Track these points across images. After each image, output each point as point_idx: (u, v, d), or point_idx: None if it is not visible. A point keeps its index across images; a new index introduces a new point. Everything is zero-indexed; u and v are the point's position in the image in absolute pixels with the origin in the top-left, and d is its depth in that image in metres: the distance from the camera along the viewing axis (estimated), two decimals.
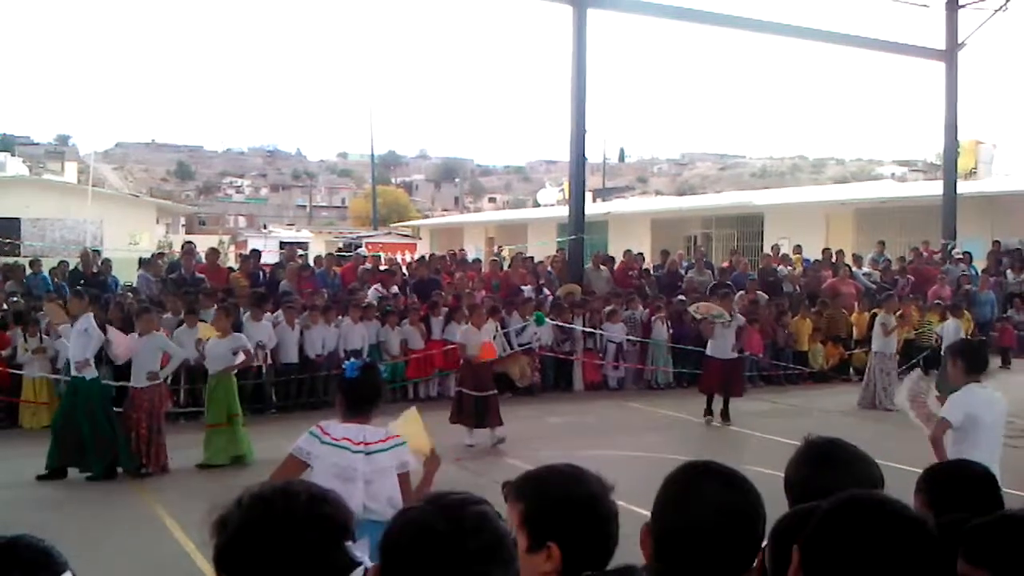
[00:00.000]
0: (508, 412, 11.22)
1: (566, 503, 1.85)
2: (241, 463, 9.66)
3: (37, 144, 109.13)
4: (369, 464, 3.93)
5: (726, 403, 12.44)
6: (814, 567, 1.52)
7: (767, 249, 23.41)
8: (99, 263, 15.32)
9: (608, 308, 15.72)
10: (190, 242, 16.89)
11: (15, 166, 50.18)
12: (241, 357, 10.16)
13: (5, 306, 12.97)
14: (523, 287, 16.44)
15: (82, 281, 14.29)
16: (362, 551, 1.61)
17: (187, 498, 8.20)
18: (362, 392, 4.11)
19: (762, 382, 16.07)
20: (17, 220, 31.92)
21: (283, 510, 1.59)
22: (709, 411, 12.42)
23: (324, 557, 1.55)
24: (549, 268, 17.99)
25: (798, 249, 20.70)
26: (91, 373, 9.25)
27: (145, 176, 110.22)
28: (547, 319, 14.82)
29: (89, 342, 9.22)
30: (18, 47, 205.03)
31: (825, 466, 2.32)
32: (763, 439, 11.13)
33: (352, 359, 4.48)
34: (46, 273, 14.99)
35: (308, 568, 1.52)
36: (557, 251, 19.33)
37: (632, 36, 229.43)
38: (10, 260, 15.70)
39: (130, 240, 30.74)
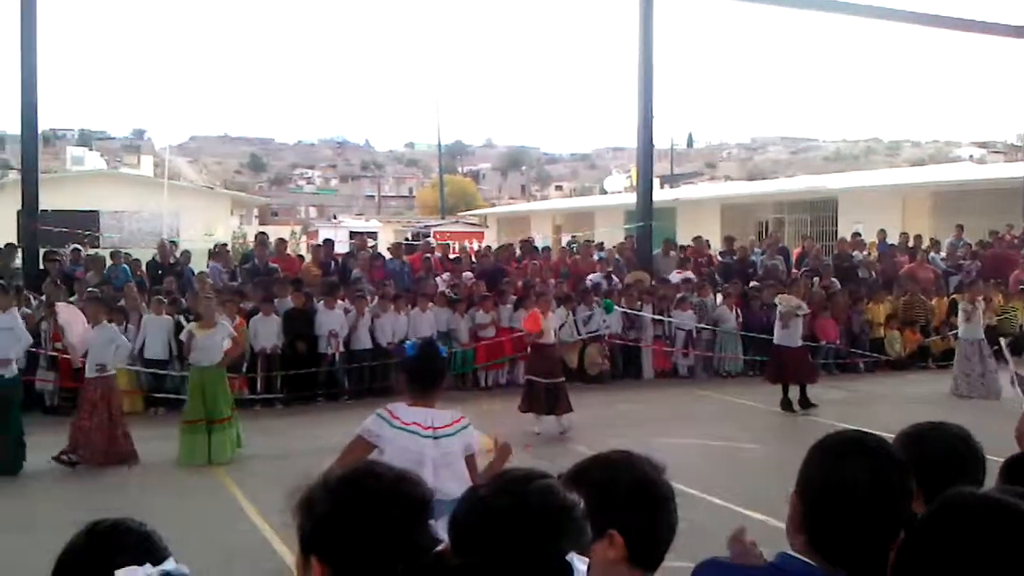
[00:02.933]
0: (578, 400, 11.22)
1: (620, 489, 1.82)
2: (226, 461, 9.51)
3: (114, 139, 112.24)
4: (438, 448, 3.95)
5: (803, 390, 12.29)
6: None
7: (841, 234, 22.94)
8: (176, 254, 15.68)
9: (678, 295, 15.60)
10: (263, 233, 17.24)
11: (93, 160, 51.77)
12: (228, 344, 9.79)
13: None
14: (591, 275, 16.39)
15: (160, 272, 14.68)
16: (442, 531, 1.63)
17: (265, 483, 8.38)
18: (423, 370, 4.12)
19: (837, 370, 15.78)
20: (96, 213, 32.78)
21: (370, 490, 1.61)
22: (788, 401, 12.26)
23: (410, 536, 1.56)
24: (617, 256, 17.90)
25: (882, 234, 20.16)
26: (10, 372, 9.09)
27: (219, 169, 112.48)
28: (616, 306, 14.76)
29: (18, 340, 9.19)
30: (95, 44, 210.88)
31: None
32: (835, 428, 10.92)
33: (414, 340, 4.48)
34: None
35: (395, 547, 1.54)
36: (625, 238, 19.21)
37: (700, 18, 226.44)
38: (91, 251, 16.11)
39: (205, 231, 31.43)
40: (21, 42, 14.07)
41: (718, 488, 8.03)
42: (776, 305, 12.91)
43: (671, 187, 46.94)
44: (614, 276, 16.50)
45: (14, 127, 14.98)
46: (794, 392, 12.29)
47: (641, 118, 17.67)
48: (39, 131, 15.19)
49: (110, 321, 9.91)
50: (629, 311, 15.09)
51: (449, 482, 3.84)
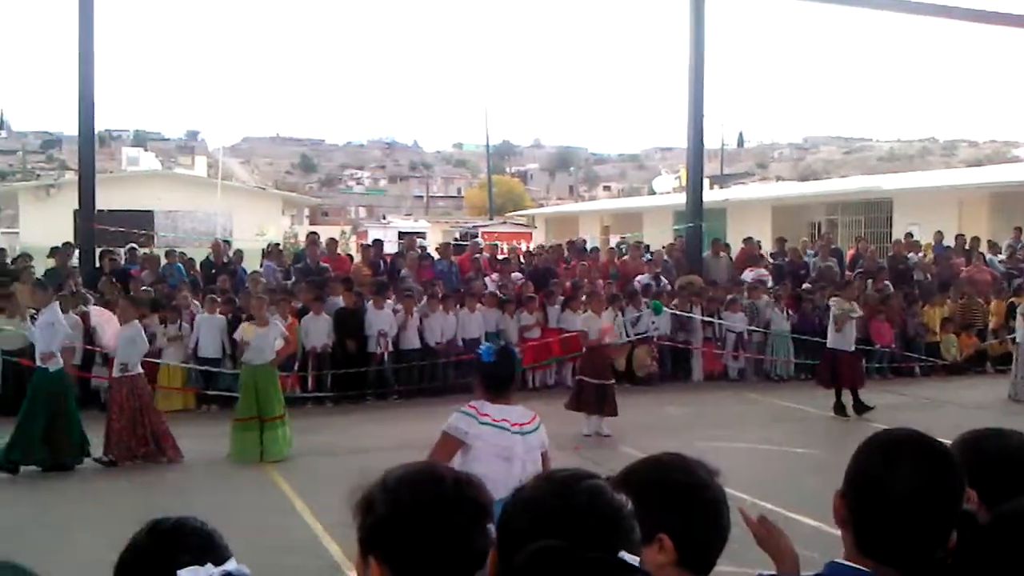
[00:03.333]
0: (626, 401, 11.17)
1: (670, 492, 1.78)
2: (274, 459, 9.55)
3: (168, 140, 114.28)
4: (524, 445, 4.01)
5: (855, 394, 12.09)
6: None
7: (896, 236, 22.51)
8: (230, 253, 15.89)
9: (728, 297, 15.44)
10: (314, 233, 17.39)
11: (148, 161, 52.71)
12: (281, 343, 9.90)
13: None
14: (640, 276, 16.28)
15: (213, 271, 14.88)
16: None
17: (316, 482, 8.44)
18: (501, 375, 4.17)
19: (892, 374, 15.50)
20: (151, 212, 33.41)
21: (430, 492, 1.59)
22: (841, 405, 12.07)
23: (470, 539, 1.55)
24: (666, 257, 17.77)
25: (938, 236, 19.72)
26: (55, 365, 9.21)
27: (270, 169, 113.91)
28: (665, 308, 14.64)
29: (56, 334, 9.28)
30: (151, 46, 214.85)
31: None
32: None
33: (487, 343, 4.51)
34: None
35: (455, 549, 1.53)
36: (675, 239, 19.06)
37: (751, 16, 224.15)
38: (147, 250, 16.40)
39: (257, 231, 31.85)
40: (79, 45, 14.36)
41: (770, 493, 7.90)
42: (829, 307, 12.73)
43: (721, 187, 46.52)
44: (663, 277, 16.38)
45: (71, 128, 15.29)
46: (848, 396, 12.09)
47: (691, 117, 17.52)
48: (95, 132, 15.48)
49: (142, 318, 10.08)
50: (678, 312, 14.96)
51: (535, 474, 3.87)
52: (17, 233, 37.22)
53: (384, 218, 61.23)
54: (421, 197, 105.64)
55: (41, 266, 14.40)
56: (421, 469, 1.72)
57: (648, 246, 19.34)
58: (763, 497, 7.69)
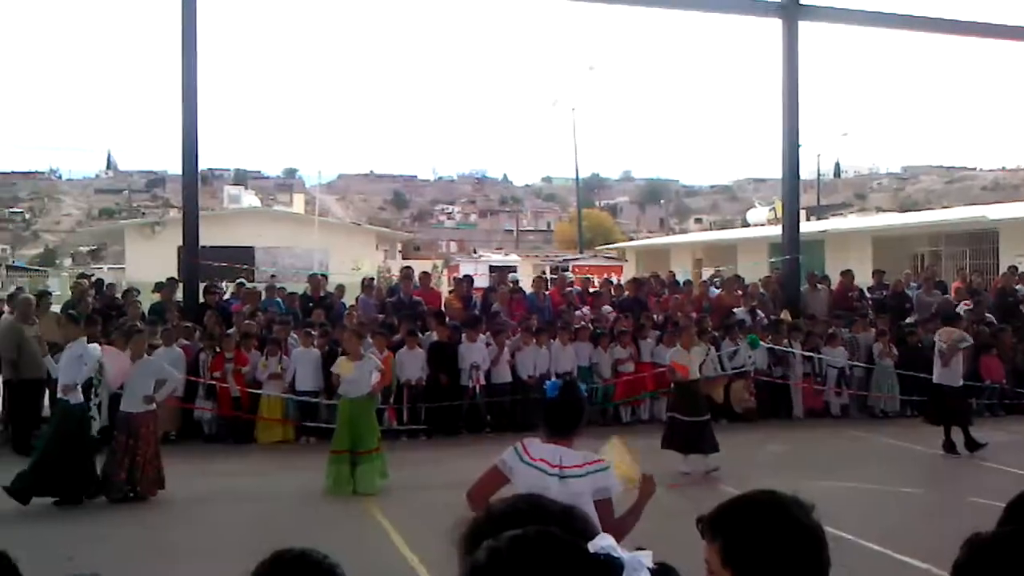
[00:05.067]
0: (724, 438, 10.91)
1: (769, 534, 1.70)
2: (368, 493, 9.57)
3: (268, 178, 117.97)
4: (563, 488, 3.78)
5: (967, 432, 11.59)
6: None
7: (1003, 268, 21.62)
8: (325, 288, 16.18)
9: (828, 331, 15.05)
10: (408, 267, 17.59)
11: (249, 199, 54.35)
12: (377, 377, 9.99)
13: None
14: (735, 309, 15.99)
15: (311, 305, 15.18)
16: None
17: (413, 514, 8.49)
18: (562, 413, 4.03)
19: (1002, 411, 14.82)
20: (251, 248, 34.37)
21: (536, 522, 1.56)
22: (951, 443, 11.59)
23: (577, 571, 1.48)
24: (762, 290, 17.43)
25: None
26: (76, 398, 9.25)
27: (364, 205, 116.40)
28: (761, 342, 14.32)
29: (81, 368, 9.34)
30: (249, 88, 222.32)
31: None
32: (1002, 472, 10.25)
33: (554, 379, 4.41)
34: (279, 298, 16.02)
35: None
36: (771, 272, 18.69)
37: (847, 42, 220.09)
38: (249, 285, 16.82)
39: (353, 266, 32.45)
40: (182, 87, 14.92)
41: (876, 534, 7.62)
42: (935, 342, 12.27)
43: (818, 219, 45.52)
44: (759, 311, 16.06)
45: (175, 167, 15.86)
46: (959, 434, 11.60)
47: (786, 147, 17.23)
48: (199, 171, 16.01)
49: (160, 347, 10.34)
50: (775, 347, 14.62)
51: None
52: (123, 269, 38.76)
53: (475, 252, 61.79)
54: (511, 231, 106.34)
55: (147, 301, 14.91)
56: (526, 501, 1.69)
57: (743, 279, 19.01)
58: (868, 539, 7.41)
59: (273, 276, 18.13)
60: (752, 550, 1.68)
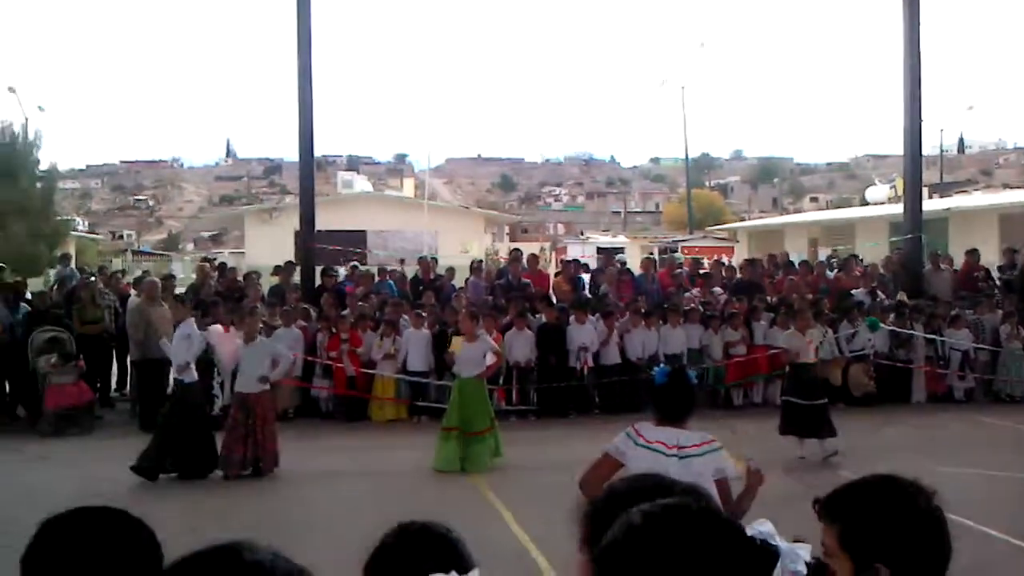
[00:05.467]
0: (842, 423, 10.61)
1: (890, 519, 1.65)
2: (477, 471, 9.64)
3: (379, 163, 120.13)
4: (683, 468, 3.80)
5: None
6: None
7: None
8: (435, 270, 16.39)
9: (952, 313, 14.44)
10: (517, 249, 17.66)
11: (361, 184, 55.49)
12: (491, 359, 10.09)
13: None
14: (854, 291, 15.49)
15: (421, 287, 15.41)
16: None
17: (522, 493, 8.55)
18: (672, 398, 4.05)
19: None
20: (363, 232, 35.11)
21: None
22: None
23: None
24: (882, 271, 16.84)
25: None
26: (190, 376, 9.56)
27: (472, 189, 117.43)
28: (882, 324, 13.84)
29: (190, 347, 9.56)
30: (361, 75, 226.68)
31: None
32: None
33: (663, 365, 4.38)
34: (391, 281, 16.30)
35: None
36: (892, 252, 18.03)
37: (972, 13, 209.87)
38: (361, 268, 17.16)
39: (461, 248, 32.82)
40: (298, 77, 15.31)
41: (1003, 523, 7.30)
42: None
43: (941, 196, 43.64)
44: (879, 292, 15.52)
45: (292, 154, 16.31)
46: None
47: (908, 122, 16.53)
48: (314, 158, 16.41)
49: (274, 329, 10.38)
50: (897, 329, 14.11)
51: None
52: (243, 253, 40.12)
53: (582, 234, 61.63)
54: (619, 213, 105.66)
55: (266, 283, 15.39)
56: (647, 481, 1.68)
57: (853, 258, 18.42)
58: (994, 526, 7.11)
59: (403, 261, 18.21)
60: (871, 534, 1.63)
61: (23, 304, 13.51)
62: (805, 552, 1.28)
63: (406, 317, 13.43)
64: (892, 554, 1.62)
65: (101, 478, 9.18)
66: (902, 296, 15.31)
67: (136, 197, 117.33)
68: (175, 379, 9.78)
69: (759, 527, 1.29)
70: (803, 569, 1.27)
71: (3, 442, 11.37)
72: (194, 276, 17.15)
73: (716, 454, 3.96)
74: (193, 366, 9.69)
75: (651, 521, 1.29)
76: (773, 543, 1.26)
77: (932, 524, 1.66)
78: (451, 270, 16.41)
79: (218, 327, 10.38)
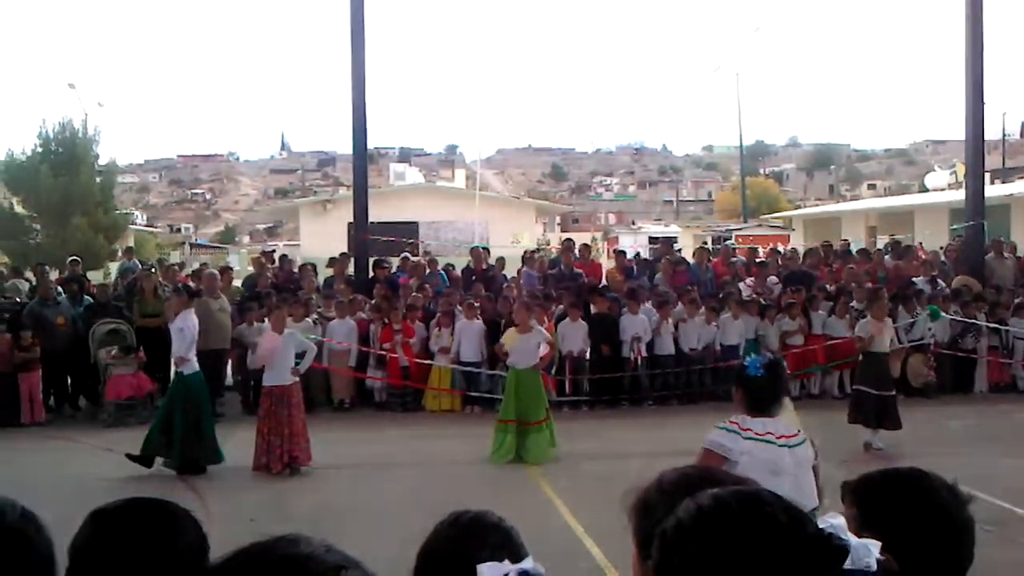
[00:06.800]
0: (903, 414, 10.38)
1: (905, 511, 1.61)
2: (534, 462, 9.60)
3: (430, 155, 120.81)
4: (793, 458, 3.85)
5: None
6: None
7: None
8: (487, 261, 16.40)
9: (1016, 301, 14.07)
10: (570, 239, 17.57)
11: (413, 175, 55.75)
12: (544, 349, 10.02)
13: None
14: (914, 279, 15.17)
15: (473, 277, 15.44)
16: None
17: (576, 484, 8.54)
18: (767, 390, 4.00)
19: None
20: (415, 223, 35.26)
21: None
22: None
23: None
24: (943, 258, 16.46)
25: None
26: (190, 368, 9.46)
27: (523, 179, 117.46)
28: (943, 313, 13.53)
29: (184, 339, 9.42)
30: (412, 67, 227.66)
31: None
32: None
33: (755, 356, 4.34)
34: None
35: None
36: (952, 239, 17.63)
37: None
38: (413, 258, 17.24)
39: (513, 239, 32.79)
40: (351, 71, 15.41)
41: None
42: None
43: (1003, 182, 42.54)
44: (939, 280, 15.18)
45: (345, 147, 16.42)
46: None
47: (969, 106, 16.11)
48: (367, 150, 16.52)
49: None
50: (959, 319, 13.79)
51: (805, 492, 3.75)
52: (298, 245, 40.58)
53: (634, 223, 61.31)
54: (671, 201, 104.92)
55: (321, 275, 15.55)
56: (696, 472, 1.66)
57: (920, 245, 18.05)
58: None
59: (488, 251, 17.86)
60: (886, 526, 1.59)
61: (86, 297, 13.82)
62: (876, 547, 1.24)
63: (459, 308, 13.47)
64: (904, 549, 1.56)
65: (158, 468, 9.35)
66: (968, 283, 14.93)
67: (193, 191, 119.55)
68: (175, 372, 9.66)
69: (831, 520, 1.25)
70: (874, 564, 1.23)
71: (65, 432, 11.65)
72: (250, 268, 17.38)
73: (808, 442, 3.99)
74: (194, 358, 9.59)
75: (719, 507, 1.26)
76: (844, 537, 1.22)
77: (951, 523, 1.62)
78: (501, 260, 16.37)
79: (268, 326, 10.33)
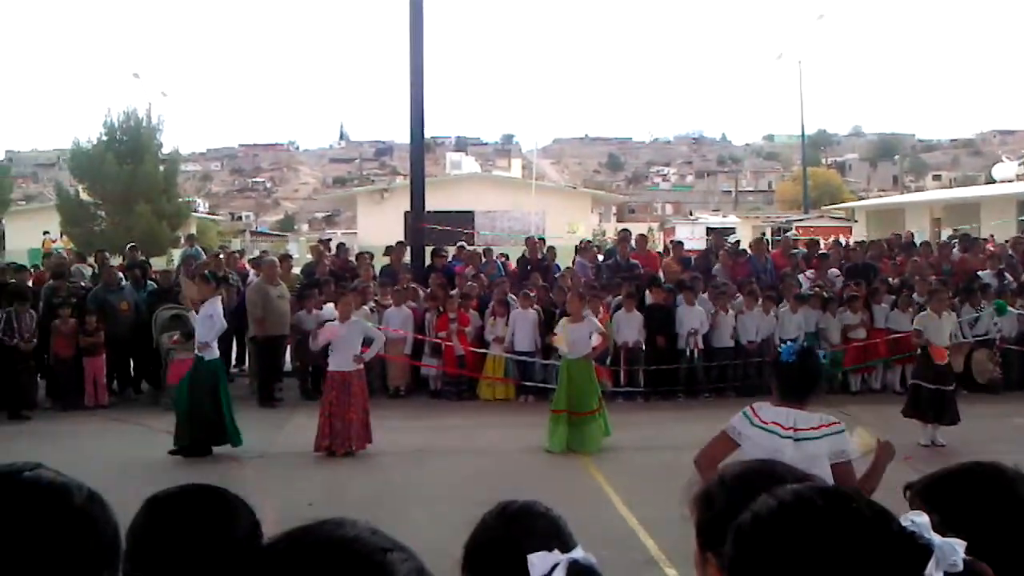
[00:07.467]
0: (966, 410, 10.20)
1: (989, 510, 1.52)
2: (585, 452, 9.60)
3: (486, 144, 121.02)
4: (797, 451, 3.75)
5: None
6: None
7: None
8: (543, 250, 16.37)
9: None
10: (626, 230, 17.44)
11: (469, 164, 55.81)
12: (597, 339, 9.97)
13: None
14: (980, 272, 14.79)
15: (528, 267, 15.43)
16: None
17: (630, 475, 8.50)
18: (797, 378, 3.95)
19: None
20: (471, 213, 35.36)
21: (766, 489, 1.48)
22: None
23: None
24: (1010, 251, 16.02)
25: None
26: (211, 354, 9.54)
27: (579, 169, 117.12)
28: (1010, 308, 13.17)
29: (213, 326, 9.49)
30: (469, 56, 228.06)
31: None
32: None
33: (790, 343, 4.28)
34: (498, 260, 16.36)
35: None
36: (1021, 232, 17.15)
37: None
38: (469, 248, 17.28)
39: (568, 229, 32.72)
40: (410, 61, 15.48)
41: None
42: None
43: None
44: (1007, 274, 14.77)
45: (402, 136, 16.56)
46: None
47: None
48: (424, 140, 16.59)
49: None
50: None
51: None
52: (355, 234, 40.95)
53: (691, 214, 60.73)
54: (729, 192, 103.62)
55: (378, 263, 15.67)
56: (758, 466, 1.63)
57: (987, 238, 17.58)
58: None
59: (543, 240, 17.72)
60: (969, 527, 1.48)
61: (149, 282, 14.10)
62: (961, 547, 1.19)
63: (513, 297, 13.48)
64: (992, 550, 1.46)
65: (219, 453, 9.53)
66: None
67: (254, 179, 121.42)
68: (196, 356, 9.77)
69: (914, 518, 1.21)
70: (960, 564, 1.18)
71: (129, 415, 11.91)
72: (309, 256, 17.58)
73: (836, 437, 3.85)
74: (215, 345, 9.71)
75: (802, 502, 1.22)
76: (928, 536, 1.18)
77: None
78: (552, 249, 16.26)
79: (331, 309, 10.45)
